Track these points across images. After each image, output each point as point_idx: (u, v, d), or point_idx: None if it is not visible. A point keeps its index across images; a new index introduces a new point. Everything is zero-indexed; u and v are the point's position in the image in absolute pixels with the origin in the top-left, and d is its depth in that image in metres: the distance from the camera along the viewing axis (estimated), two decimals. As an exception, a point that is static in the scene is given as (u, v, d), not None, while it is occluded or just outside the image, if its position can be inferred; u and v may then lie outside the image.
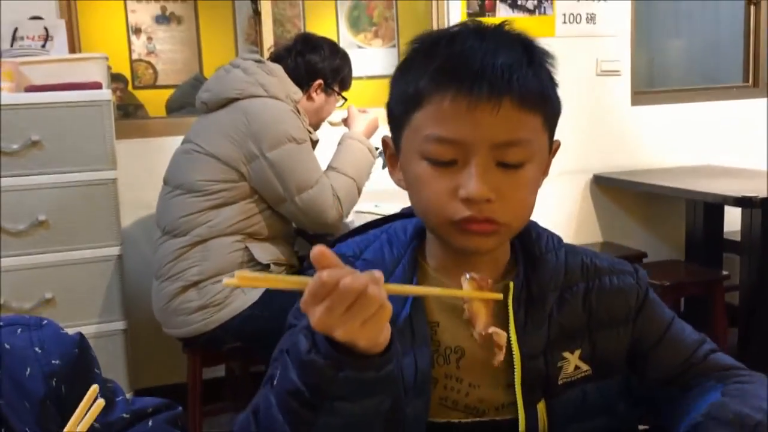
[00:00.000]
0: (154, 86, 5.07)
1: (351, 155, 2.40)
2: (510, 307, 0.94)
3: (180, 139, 2.45)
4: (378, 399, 0.79)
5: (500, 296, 0.88)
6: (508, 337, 0.92)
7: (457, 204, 0.87)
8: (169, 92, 4.09)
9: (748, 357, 3.08)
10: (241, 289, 2.26)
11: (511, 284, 0.94)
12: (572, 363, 0.95)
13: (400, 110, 0.92)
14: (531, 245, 0.99)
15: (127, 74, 4.94)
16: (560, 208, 3.58)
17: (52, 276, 2.36)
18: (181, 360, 2.51)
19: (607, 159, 3.67)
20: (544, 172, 0.96)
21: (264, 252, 2.28)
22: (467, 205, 0.86)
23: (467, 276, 0.86)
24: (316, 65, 2.48)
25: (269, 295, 2.24)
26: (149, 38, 5.07)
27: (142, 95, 4.87)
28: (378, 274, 0.73)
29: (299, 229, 2.50)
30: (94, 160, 2.38)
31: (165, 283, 2.29)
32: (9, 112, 2.27)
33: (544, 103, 0.89)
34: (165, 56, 5.12)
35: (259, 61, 2.37)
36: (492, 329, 0.85)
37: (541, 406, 0.94)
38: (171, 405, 0.90)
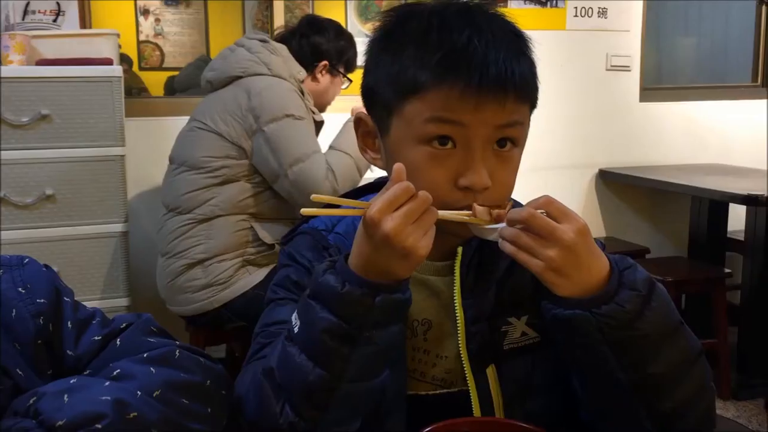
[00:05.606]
0: (160, 68, 5.05)
1: (351, 136, 2.40)
2: (457, 272, 0.96)
3: (187, 119, 2.45)
4: (400, 326, 0.85)
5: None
6: (454, 303, 0.96)
7: (456, 193, 0.89)
8: (175, 74, 4.08)
9: (748, 356, 3.09)
10: (247, 269, 2.26)
11: (460, 249, 0.97)
12: (519, 329, 0.96)
13: (389, 93, 0.92)
14: None
15: (134, 55, 4.92)
16: (565, 201, 3.52)
17: (57, 250, 2.36)
18: (184, 338, 2.49)
19: (613, 154, 3.66)
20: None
21: (269, 232, 2.28)
22: (466, 195, 0.89)
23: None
24: (320, 46, 2.47)
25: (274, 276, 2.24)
26: (157, 20, 5.05)
27: (147, 77, 4.85)
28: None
29: (305, 212, 2.50)
30: (103, 136, 2.38)
31: (170, 260, 2.29)
32: (19, 85, 2.27)
33: (533, 92, 0.93)
34: (172, 38, 5.10)
35: (263, 41, 2.37)
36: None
37: (490, 372, 0.95)
38: (140, 315, 0.88)
